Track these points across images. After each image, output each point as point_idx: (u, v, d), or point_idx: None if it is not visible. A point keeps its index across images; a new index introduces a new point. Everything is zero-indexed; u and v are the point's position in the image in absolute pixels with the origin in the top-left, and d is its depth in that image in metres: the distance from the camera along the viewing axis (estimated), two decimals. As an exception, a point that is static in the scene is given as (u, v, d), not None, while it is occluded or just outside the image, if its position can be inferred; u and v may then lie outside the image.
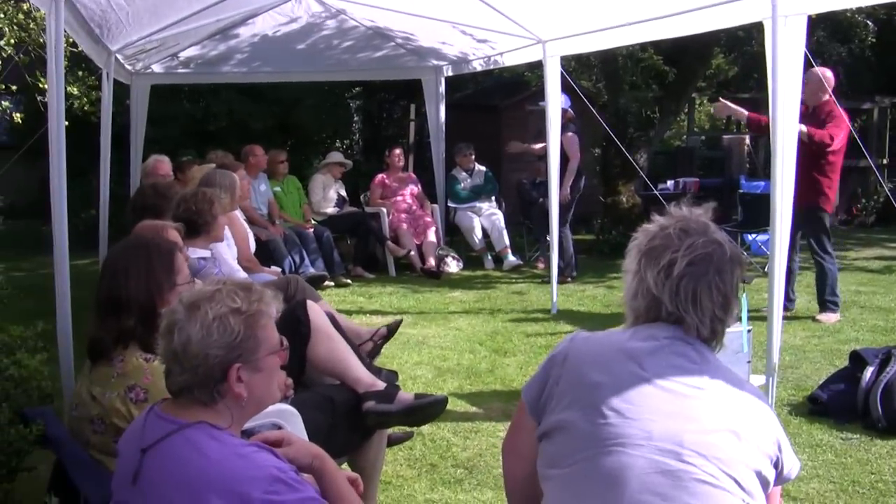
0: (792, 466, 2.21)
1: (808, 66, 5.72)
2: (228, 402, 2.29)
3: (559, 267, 9.14)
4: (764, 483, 2.12)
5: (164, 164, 7.42)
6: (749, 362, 5.96)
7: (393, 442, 4.90)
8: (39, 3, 4.78)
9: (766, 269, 9.59)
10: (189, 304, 2.26)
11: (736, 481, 2.06)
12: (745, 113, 7.93)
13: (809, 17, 5.40)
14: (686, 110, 16.53)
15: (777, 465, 2.16)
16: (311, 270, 9.50)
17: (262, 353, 2.32)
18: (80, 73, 9.77)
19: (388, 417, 4.03)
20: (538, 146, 10.44)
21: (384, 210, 11.16)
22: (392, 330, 5.39)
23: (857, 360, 5.83)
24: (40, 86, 9.06)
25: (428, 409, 4.13)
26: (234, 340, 2.25)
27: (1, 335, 3.54)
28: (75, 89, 9.37)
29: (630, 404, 2.11)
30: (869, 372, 5.61)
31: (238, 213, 7.35)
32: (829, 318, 8.05)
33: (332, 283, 9.92)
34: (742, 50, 15.62)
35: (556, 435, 2.20)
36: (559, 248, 9.16)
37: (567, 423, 2.17)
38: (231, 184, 6.47)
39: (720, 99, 8.45)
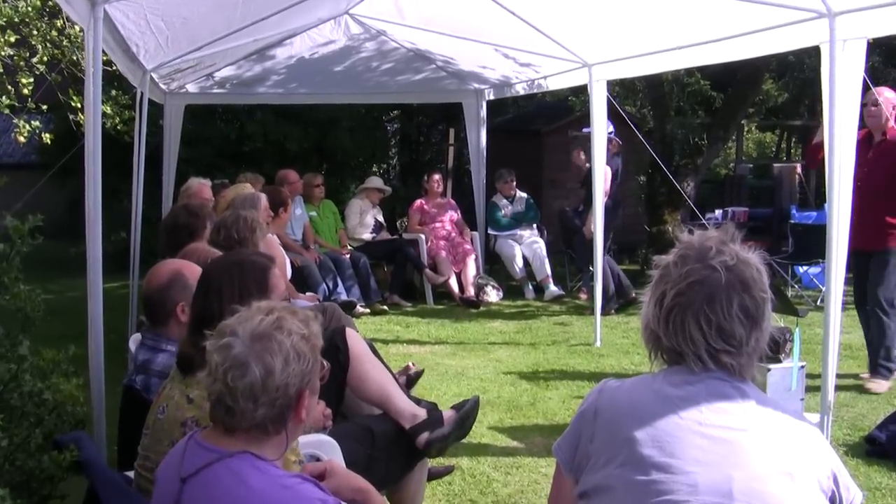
0: (853, 498, 2.06)
1: (865, 91, 5.53)
2: (289, 428, 2.25)
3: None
4: None
5: (207, 188, 7.29)
6: (802, 400, 5.76)
7: (433, 476, 4.82)
8: (78, 18, 4.67)
9: (818, 303, 9.45)
10: (255, 336, 2.18)
11: None
12: None
13: (868, 42, 5.22)
14: (734, 137, 16.27)
15: (834, 500, 2.02)
16: (344, 297, 9.39)
17: (318, 375, 2.31)
18: (113, 91, 9.73)
19: (447, 440, 3.96)
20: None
21: (422, 237, 11.01)
22: (411, 382, 5.47)
23: (918, 399, 5.61)
24: (73, 104, 9.01)
25: (472, 412, 4.10)
26: (307, 367, 2.23)
27: (34, 359, 3.44)
28: (108, 108, 9.34)
29: (671, 457, 1.99)
30: (931, 412, 5.40)
31: (275, 239, 7.22)
32: (881, 385, 6.80)
33: (368, 311, 9.81)
34: (793, 75, 15.38)
35: (597, 496, 2.08)
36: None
37: (608, 484, 2.05)
38: (262, 204, 6.43)
39: None
